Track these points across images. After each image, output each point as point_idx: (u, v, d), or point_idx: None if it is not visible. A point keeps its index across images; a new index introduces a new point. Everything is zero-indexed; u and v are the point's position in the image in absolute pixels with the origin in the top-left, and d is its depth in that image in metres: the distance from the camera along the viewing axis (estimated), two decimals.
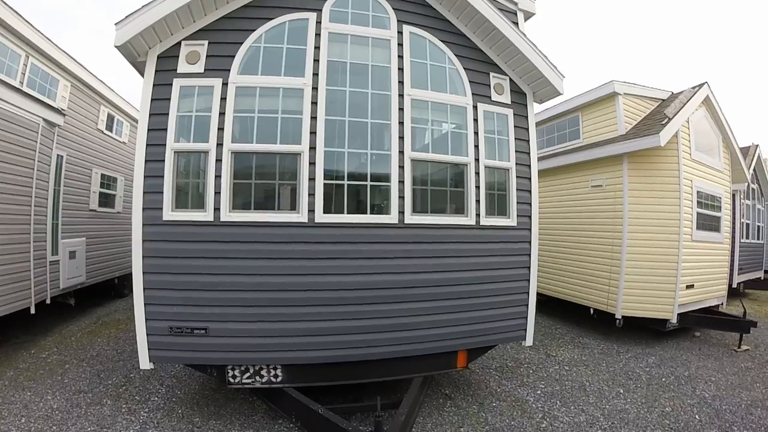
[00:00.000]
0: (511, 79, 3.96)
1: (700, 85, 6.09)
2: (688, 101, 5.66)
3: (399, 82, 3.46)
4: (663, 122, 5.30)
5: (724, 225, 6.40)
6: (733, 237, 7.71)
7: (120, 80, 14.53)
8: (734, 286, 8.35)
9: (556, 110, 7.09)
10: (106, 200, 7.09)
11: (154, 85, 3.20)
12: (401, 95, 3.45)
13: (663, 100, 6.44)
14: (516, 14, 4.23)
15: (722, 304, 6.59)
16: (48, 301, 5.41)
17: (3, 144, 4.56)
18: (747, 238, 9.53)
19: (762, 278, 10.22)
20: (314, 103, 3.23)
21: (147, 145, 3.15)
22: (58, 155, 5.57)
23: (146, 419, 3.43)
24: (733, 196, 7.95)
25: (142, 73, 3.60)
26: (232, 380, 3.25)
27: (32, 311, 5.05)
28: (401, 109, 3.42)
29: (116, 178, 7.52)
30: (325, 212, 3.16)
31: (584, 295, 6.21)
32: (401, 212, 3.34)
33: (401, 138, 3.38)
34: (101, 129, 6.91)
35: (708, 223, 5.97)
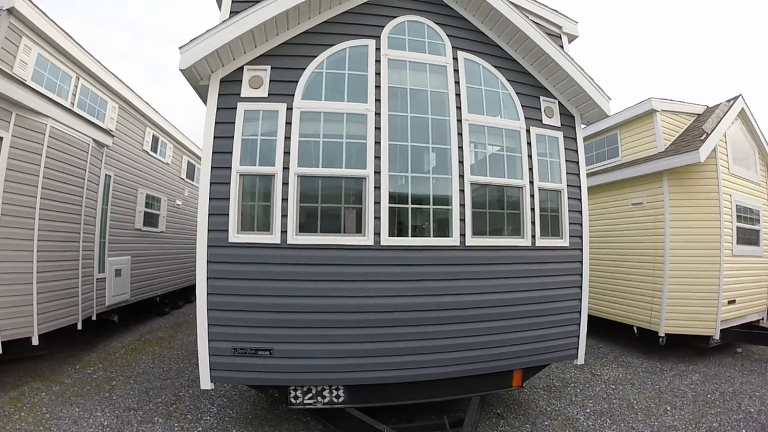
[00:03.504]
0: (559, 102, 4.03)
1: (735, 98, 6.11)
2: (724, 115, 5.69)
3: (456, 107, 3.55)
4: (701, 138, 5.32)
5: (764, 238, 6.35)
6: None
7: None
8: None
9: (595, 128, 7.11)
10: (150, 220, 7.26)
11: (218, 108, 3.28)
12: (459, 120, 3.52)
13: (699, 114, 6.46)
14: (560, 38, 4.32)
15: (763, 318, 6.51)
16: (94, 318, 5.52)
17: (56, 163, 4.72)
18: None
19: None
20: (377, 128, 3.32)
21: (212, 167, 3.22)
22: (106, 175, 5.73)
23: None
24: None
25: (202, 97, 3.73)
26: (293, 401, 3.28)
27: (79, 327, 5.15)
28: (460, 134, 3.50)
29: (160, 198, 7.70)
30: (390, 235, 3.21)
31: (626, 314, 6.17)
32: (462, 234, 3.39)
33: (461, 162, 3.44)
34: (146, 150, 7.11)
35: (747, 237, 5.94)
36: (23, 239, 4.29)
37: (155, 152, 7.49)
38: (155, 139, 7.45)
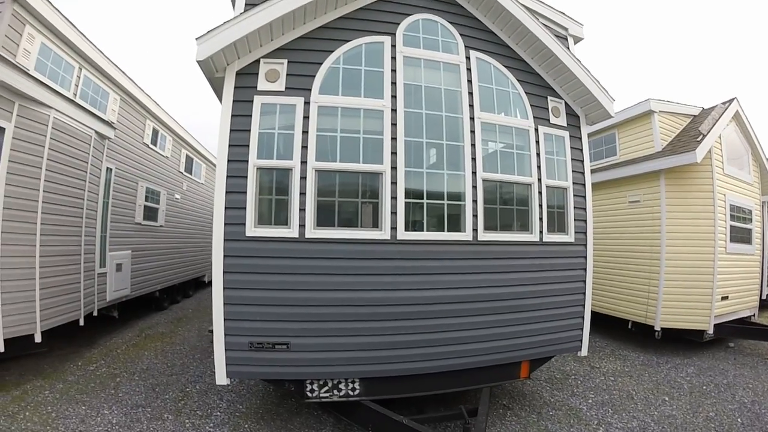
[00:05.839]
0: (566, 103, 4.13)
1: (730, 101, 6.33)
2: (720, 117, 5.89)
3: (469, 105, 3.61)
4: (698, 139, 5.51)
5: (755, 237, 6.60)
6: (763, 248, 7.86)
7: None
8: (764, 297, 8.47)
9: (593, 127, 7.15)
10: (150, 213, 7.17)
11: (234, 101, 3.26)
12: (472, 118, 3.59)
13: (695, 115, 6.67)
14: (567, 39, 4.43)
15: (754, 315, 6.76)
16: (95, 313, 5.44)
17: (58, 156, 4.64)
18: None
19: None
20: (394, 125, 3.36)
21: (228, 160, 3.20)
22: (107, 168, 5.64)
23: None
24: (762, 207, 8.10)
25: (216, 89, 3.72)
26: (309, 394, 3.31)
27: (81, 323, 5.07)
28: (472, 132, 3.57)
29: (159, 191, 7.59)
30: (406, 230, 3.27)
31: (623, 308, 6.35)
32: (475, 230, 3.47)
33: (473, 159, 3.51)
34: (147, 143, 7.00)
35: (740, 236, 6.17)
36: (26, 233, 4.21)
37: (155, 145, 7.38)
38: (155, 132, 7.34)
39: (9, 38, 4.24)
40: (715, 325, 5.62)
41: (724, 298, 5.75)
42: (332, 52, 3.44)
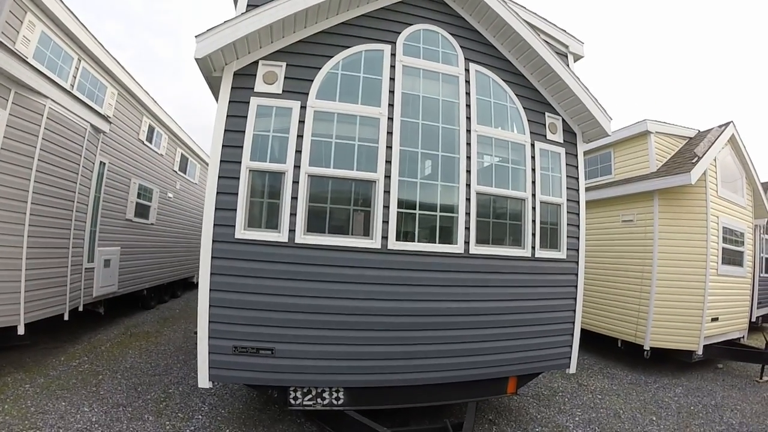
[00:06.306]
0: (563, 119, 4.14)
1: (726, 124, 6.38)
2: (716, 140, 5.93)
3: (466, 117, 3.61)
4: (693, 161, 5.54)
5: (747, 259, 6.63)
6: (753, 271, 7.90)
7: None
8: (753, 320, 8.51)
9: (589, 146, 7.21)
10: (141, 211, 7.11)
11: (230, 101, 3.22)
12: (468, 131, 3.59)
13: (690, 138, 6.72)
14: (567, 57, 4.45)
15: (743, 336, 6.77)
16: (81, 309, 5.36)
17: (52, 146, 4.59)
18: (766, 272, 9.79)
19: None
20: (389, 133, 3.35)
21: (221, 161, 3.16)
22: (100, 162, 5.59)
23: None
24: (754, 230, 8.16)
25: (213, 89, 3.69)
26: (293, 402, 3.26)
27: (66, 318, 4.99)
28: (468, 144, 3.56)
29: (152, 189, 7.53)
30: (397, 239, 3.24)
31: (613, 327, 6.34)
32: (466, 242, 3.45)
33: (468, 172, 3.51)
34: (142, 139, 6.96)
35: (732, 258, 6.19)
36: (14, 223, 4.15)
37: (150, 142, 7.33)
38: (151, 129, 7.29)
39: (9, 24, 4.19)
40: (704, 346, 5.61)
41: (714, 319, 5.76)
42: (331, 57, 3.43)
